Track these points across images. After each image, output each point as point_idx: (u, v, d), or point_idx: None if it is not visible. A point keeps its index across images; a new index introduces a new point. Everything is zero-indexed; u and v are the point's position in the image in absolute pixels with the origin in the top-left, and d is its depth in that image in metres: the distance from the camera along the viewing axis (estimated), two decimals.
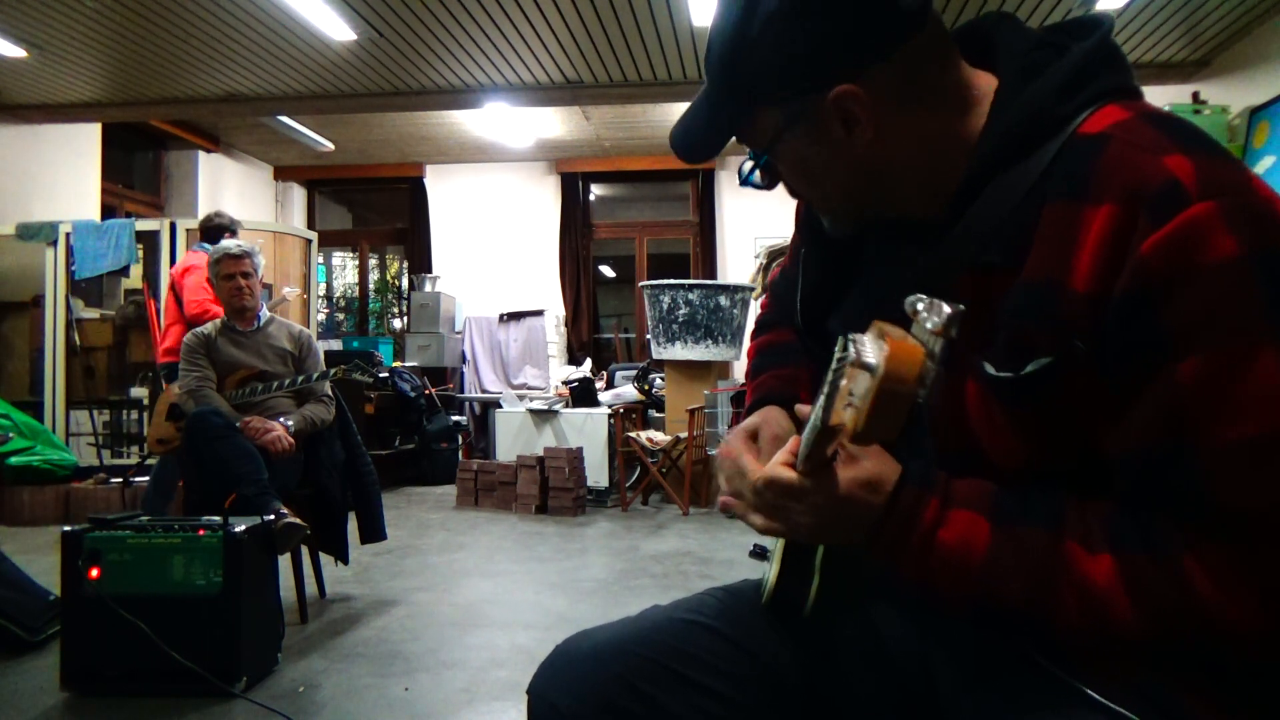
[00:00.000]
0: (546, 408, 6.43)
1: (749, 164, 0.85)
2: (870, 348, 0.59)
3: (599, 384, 7.17)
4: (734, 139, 0.86)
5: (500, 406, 6.80)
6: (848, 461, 0.73)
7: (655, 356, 6.39)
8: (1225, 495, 0.65)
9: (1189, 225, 0.65)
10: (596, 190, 9.45)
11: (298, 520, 2.82)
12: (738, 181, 0.89)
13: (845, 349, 0.62)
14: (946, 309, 0.60)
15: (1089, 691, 0.71)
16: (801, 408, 0.74)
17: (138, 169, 7.85)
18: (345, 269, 10.25)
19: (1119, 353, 0.68)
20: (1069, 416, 0.71)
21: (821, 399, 0.66)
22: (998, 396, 0.73)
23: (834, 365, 0.65)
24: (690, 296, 6.08)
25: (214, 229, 4.68)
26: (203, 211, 7.58)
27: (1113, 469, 0.71)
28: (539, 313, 8.25)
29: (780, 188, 0.90)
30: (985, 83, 0.80)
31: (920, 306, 0.61)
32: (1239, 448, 0.64)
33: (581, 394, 6.64)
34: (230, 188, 8.20)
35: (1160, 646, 0.67)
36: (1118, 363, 0.68)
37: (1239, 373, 0.64)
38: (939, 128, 0.79)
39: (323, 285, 9.67)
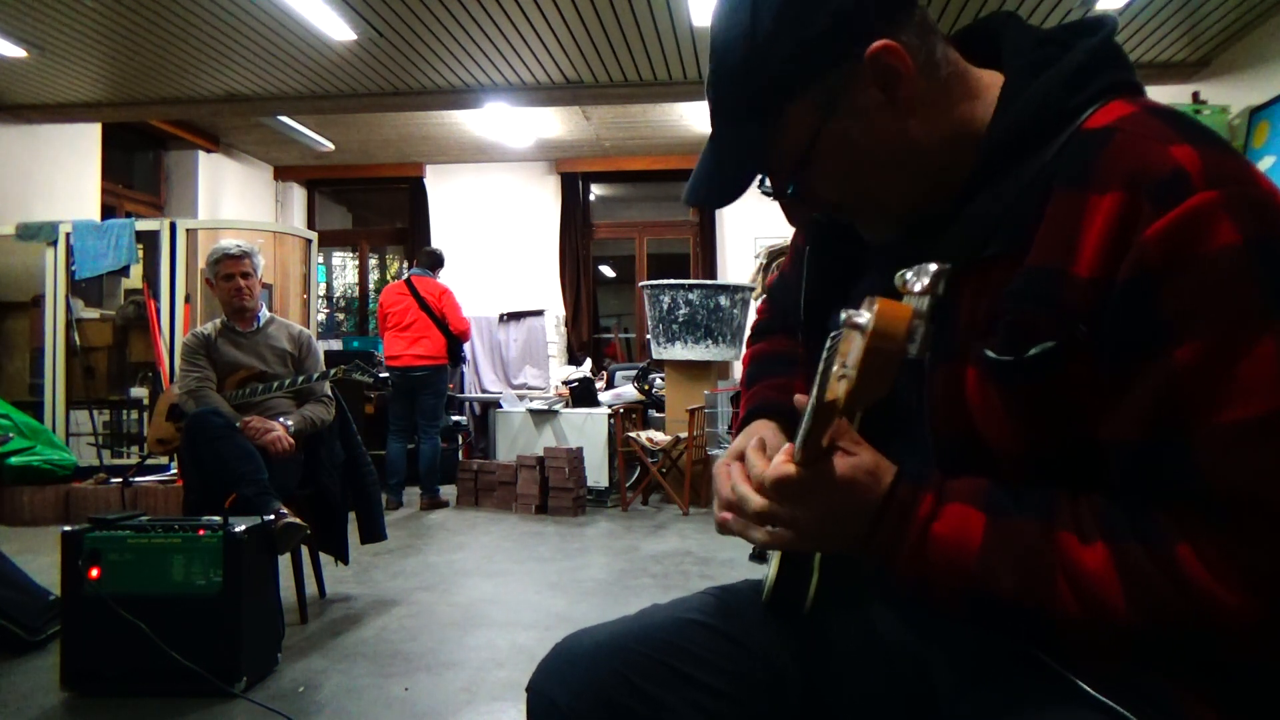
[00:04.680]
0: (546, 408, 6.43)
1: (777, 183, 0.84)
2: (862, 311, 0.61)
3: (599, 384, 7.17)
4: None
5: (500, 406, 6.80)
6: (845, 454, 0.74)
7: (655, 356, 6.39)
8: (1217, 481, 0.64)
9: (1192, 213, 0.65)
10: (596, 190, 9.44)
11: (298, 520, 2.82)
12: (760, 193, 0.88)
13: (840, 324, 0.63)
14: (932, 267, 0.62)
15: (1087, 689, 0.70)
16: (799, 397, 0.75)
17: (138, 169, 7.85)
18: (345, 269, 10.25)
19: (1118, 338, 0.68)
20: (1067, 402, 0.71)
21: (817, 378, 0.67)
22: (997, 380, 0.73)
23: (828, 344, 0.65)
24: (690, 296, 6.08)
25: (439, 260, 6.20)
26: (203, 212, 7.71)
27: (1108, 456, 0.71)
28: (539, 313, 8.24)
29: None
30: (990, 79, 0.81)
31: (909, 275, 0.63)
32: (1231, 432, 0.64)
33: (581, 394, 6.63)
34: (230, 188, 8.21)
35: (1156, 637, 0.66)
36: (1116, 348, 0.68)
37: (1235, 359, 0.64)
38: (956, 107, 0.79)
39: (323, 285, 9.68)
